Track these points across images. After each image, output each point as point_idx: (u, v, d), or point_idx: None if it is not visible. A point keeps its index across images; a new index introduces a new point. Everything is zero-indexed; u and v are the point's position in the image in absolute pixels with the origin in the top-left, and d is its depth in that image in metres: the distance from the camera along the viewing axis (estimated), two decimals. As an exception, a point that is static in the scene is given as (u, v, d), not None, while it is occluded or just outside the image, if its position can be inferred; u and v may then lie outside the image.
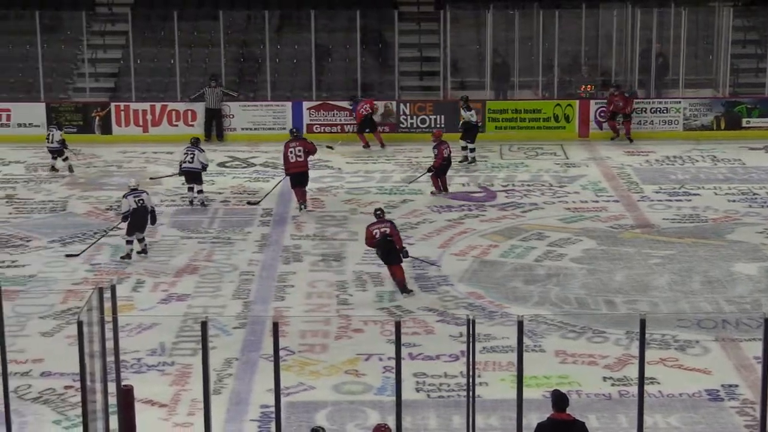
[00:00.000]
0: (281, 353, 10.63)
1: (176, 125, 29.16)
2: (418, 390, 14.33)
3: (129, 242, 19.65)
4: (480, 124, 27.78)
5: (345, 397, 14.23)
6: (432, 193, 23.58)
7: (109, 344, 11.27)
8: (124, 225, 19.75)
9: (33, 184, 24.73)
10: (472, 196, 23.69)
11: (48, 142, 25.76)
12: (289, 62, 30.87)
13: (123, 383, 11.88)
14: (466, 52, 31.02)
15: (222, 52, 30.00)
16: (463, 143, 26.62)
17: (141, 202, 19.67)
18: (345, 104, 28.77)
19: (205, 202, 22.91)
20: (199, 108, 28.99)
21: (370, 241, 17.99)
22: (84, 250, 19.88)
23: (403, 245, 18.16)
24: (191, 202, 22.93)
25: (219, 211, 22.67)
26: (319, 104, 29.32)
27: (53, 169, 25.67)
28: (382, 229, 17.84)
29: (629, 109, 28.46)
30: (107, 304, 11.17)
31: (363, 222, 21.62)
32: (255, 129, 29.20)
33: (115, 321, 11.23)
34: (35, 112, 29.07)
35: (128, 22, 30.34)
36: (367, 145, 28.07)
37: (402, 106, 29.22)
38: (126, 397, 12.06)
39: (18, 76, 30.36)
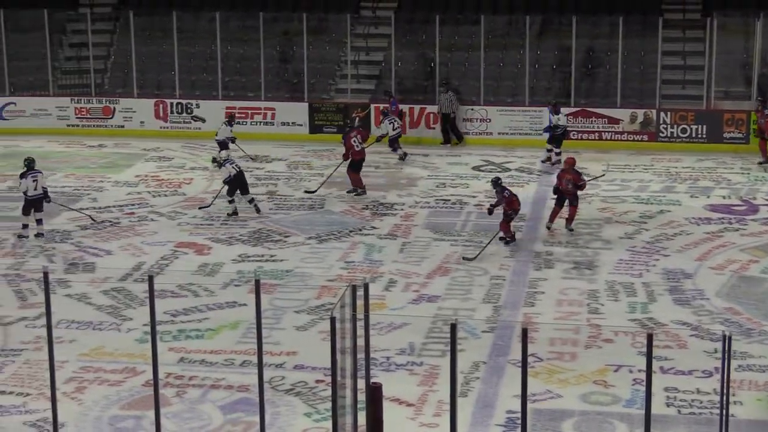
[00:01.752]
0: (529, 359, 10.53)
1: (433, 128, 29.44)
2: (668, 405, 13.97)
3: (231, 201, 22.35)
4: (567, 130, 27.38)
5: (592, 407, 14.02)
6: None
7: (360, 341, 11.42)
8: (225, 188, 22.52)
9: (293, 182, 25.41)
10: (733, 209, 22.97)
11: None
12: (548, 67, 30.70)
13: (372, 380, 12.01)
14: (732, 61, 30.09)
15: (481, 55, 30.08)
16: (548, 146, 26.70)
17: (238, 167, 22.55)
18: (604, 111, 28.36)
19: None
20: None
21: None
22: (211, 203, 22.84)
23: None
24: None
25: (472, 214, 22.73)
26: (576, 111, 29.04)
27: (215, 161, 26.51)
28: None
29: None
30: (360, 302, 11.31)
31: (618, 230, 21.33)
32: (511, 134, 29.18)
33: (366, 319, 11.36)
34: (298, 111, 29.92)
35: (391, 26, 30.82)
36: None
37: (662, 114, 28.61)
38: (375, 395, 12.18)
39: (284, 75, 31.28)
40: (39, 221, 20.98)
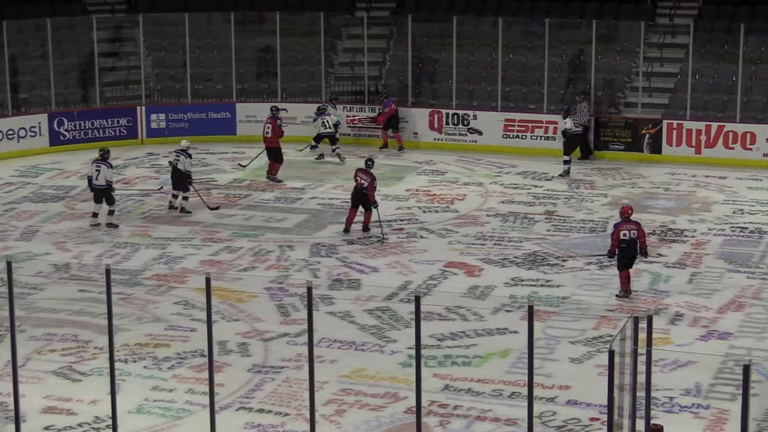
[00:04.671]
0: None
1: (732, 148, 28.68)
2: None
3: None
4: (579, 132, 27.94)
5: None
6: None
7: (641, 378, 11.26)
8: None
9: (574, 202, 25.24)
10: None
11: (324, 128, 29.08)
12: None
13: (652, 422, 11.83)
14: None
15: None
16: (566, 158, 27.63)
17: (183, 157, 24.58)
18: None
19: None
20: (758, 130, 28.40)
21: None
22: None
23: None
24: None
25: (772, 244, 22.09)
26: None
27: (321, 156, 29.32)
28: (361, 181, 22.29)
29: None
30: (642, 335, 11.16)
31: None
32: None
33: (648, 354, 11.20)
34: (585, 125, 29.79)
35: (689, 35, 30.22)
36: (385, 145, 30.56)
37: None
38: (654, 437, 12.01)
39: (570, 87, 31.09)
40: (111, 212, 23.35)
